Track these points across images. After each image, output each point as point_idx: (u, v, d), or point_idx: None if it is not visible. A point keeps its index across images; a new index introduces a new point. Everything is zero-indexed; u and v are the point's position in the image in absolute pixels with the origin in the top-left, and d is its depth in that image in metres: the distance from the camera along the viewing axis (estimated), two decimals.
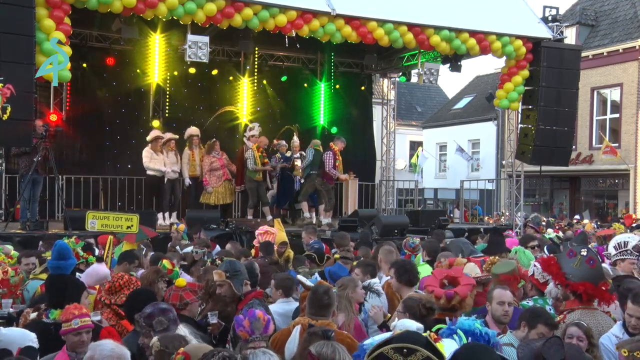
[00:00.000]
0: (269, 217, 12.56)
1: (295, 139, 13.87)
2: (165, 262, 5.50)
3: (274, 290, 5.52)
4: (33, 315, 4.67)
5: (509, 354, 3.98)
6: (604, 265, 6.50)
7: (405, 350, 2.51)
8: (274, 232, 8.74)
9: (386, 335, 3.05)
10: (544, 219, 19.05)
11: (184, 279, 4.88)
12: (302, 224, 12.29)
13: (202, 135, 13.35)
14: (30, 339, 3.80)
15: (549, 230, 11.84)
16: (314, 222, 12.93)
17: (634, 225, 14.85)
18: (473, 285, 4.62)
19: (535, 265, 5.41)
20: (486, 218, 21.27)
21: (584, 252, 4.83)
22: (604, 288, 4.71)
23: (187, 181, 12.90)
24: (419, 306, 4.21)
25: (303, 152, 13.41)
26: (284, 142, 13.77)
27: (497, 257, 6.01)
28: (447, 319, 3.87)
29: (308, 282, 5.12)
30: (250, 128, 13.36)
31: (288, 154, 13.48)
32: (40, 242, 8.11)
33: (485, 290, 5.14)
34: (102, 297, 5.02)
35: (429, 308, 4.17)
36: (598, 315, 4.63)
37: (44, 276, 5.68)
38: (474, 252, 7.12)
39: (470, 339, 3.30)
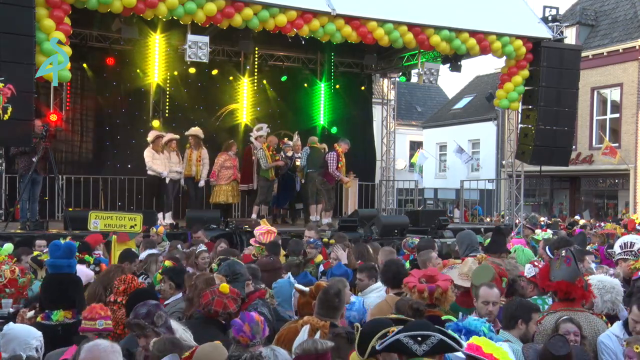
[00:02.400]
0: (254, 215, 12.55)
1: (297, 138, 13.88)
2: (166, 262, 5.49)
3: None
4: (30, 314, 4.63)
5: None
6: (592, 265, 6.53)
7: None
8: (275, 231, 8.70)
9: None
10: (542, 218, 19.02)
11: (227, 285, 4.40)
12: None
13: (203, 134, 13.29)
14: (35, 336, 3.76)
15: (537, 231, 11.78)
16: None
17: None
18: (451, 281, 4.76)
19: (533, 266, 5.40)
20: (492, 220, 21.20)
21: (563, 253, 4.89)
22: (580, 285, 4.69)
23: (181, 182, 12.82)
24: (407, 307, 4.23)
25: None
26: (290, 143, 13.75)
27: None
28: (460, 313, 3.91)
29: (303, 288, 5.09)
30: (258, 129, 13.23)
31: (289, 153, 13.48)
32: (21, 248, 7.64)
33: (466, 292, 5.13)
34: (119, 299, 4.98)
35: (415, 309, 4.19)
36: (581, 315, 4.57)
37: None
38: (476, 250, 6.99)
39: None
